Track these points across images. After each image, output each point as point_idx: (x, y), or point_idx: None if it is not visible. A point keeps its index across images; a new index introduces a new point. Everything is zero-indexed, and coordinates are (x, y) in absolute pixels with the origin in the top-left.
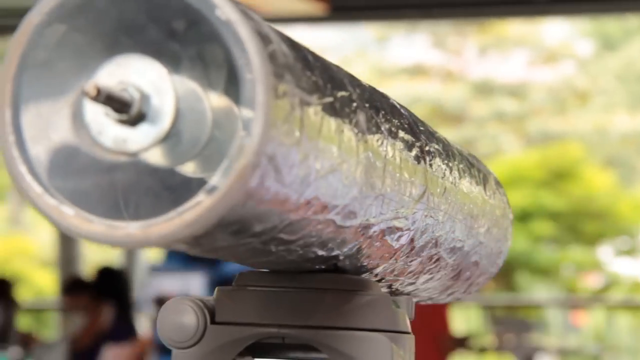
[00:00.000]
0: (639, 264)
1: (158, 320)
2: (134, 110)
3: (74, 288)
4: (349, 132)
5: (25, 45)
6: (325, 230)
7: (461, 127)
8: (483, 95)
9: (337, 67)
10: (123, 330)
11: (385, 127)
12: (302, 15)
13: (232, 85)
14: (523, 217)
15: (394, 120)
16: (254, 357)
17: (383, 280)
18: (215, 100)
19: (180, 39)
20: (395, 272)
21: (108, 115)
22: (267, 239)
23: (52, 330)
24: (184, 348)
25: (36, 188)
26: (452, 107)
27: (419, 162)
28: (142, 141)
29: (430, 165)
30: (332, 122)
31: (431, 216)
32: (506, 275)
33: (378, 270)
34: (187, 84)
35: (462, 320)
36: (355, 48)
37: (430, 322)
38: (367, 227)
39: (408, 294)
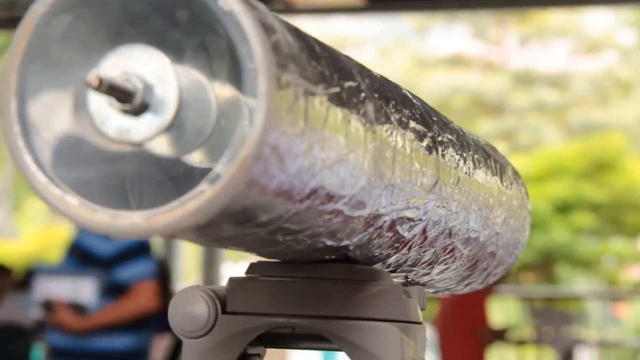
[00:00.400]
0: None
1: (169, 310)
2: (137, 100)
3: None
4: (356, 122)
5: (30, 35)
6: (333, 220)
7: (501, 118)
8: (524, 86)
9: (347, 57)
10: (163, 321)
11: (395, 117)
12: (340, 6)
13: (237, 75)
14: (564, 208)
15: (404, 110)
16: (265, 347)
17: (397, 271)
18: (221, 90)
19: (183, 29)
20: (409, 263)
21: (111, 106)
22: (273, 229)
23: None
24: (195, 338)
25: (41, 178)
26: (492, 98)
27: (430, 152)
28: (145, 131)
29: (443, 155)
30: (338, 112)
31: (444, 206)
32: (546, 267)
33: (390, 260)
34: (191, 74)
35: (501, 312)
36: (395, 38)
37: (469, 314)
38: (376, 217)
39: (423, 284)
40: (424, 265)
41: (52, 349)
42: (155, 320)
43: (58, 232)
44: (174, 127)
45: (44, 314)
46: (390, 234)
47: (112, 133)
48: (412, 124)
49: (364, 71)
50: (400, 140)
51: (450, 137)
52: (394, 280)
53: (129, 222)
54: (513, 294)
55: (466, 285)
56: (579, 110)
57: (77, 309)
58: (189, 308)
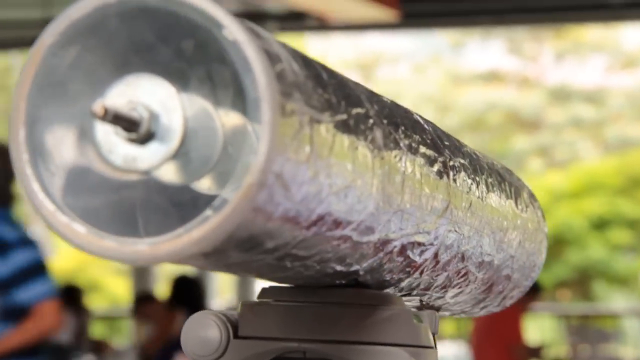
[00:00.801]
0: None
1: (183, 334)
2: (143, 129)
3: (145, 300)
4: (363, 149)
5: (38, 65)
6: (341, 246)
7: (537, 133)
8: (560, 102)
9: (356, 84)
10: None
11: (404, 142)
12: (373, 22)
13: (243, 103)
14: (600, 225)
15: (415, 135)
16: None
17: (412, 294)
18: (227, 117)
19: (189, 59)
20: (422, 287)
21: (118, 135)
22: (280, 255)
23: (126, 338)
24: None
25: (49, 206)
26: (528, 114)
27: (441, 177)
28: (151, 159)
29: (454, 179)
30: (345, 139)
31: (456, 230)
32: (583, 284)
33: (403, 284)
34: (197, 103)
35: (536, 330)
36: (430, 54)
37: (504, 331)
38: (386, 242)
39: (438, 307)
40: (437, 289)
41: None
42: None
43: None
44: (180, 155)
45: None
46: (401, 259)
47: (118, 162)
48: (423, 149)
49: (373, 97)
50: (410, 165)
51: (462, 161)
52: (408, 304)
53: (134, 249)
54: (549, 311)
55: (482, 308)
56: (616, 125)
57: None
58: (202, 332)
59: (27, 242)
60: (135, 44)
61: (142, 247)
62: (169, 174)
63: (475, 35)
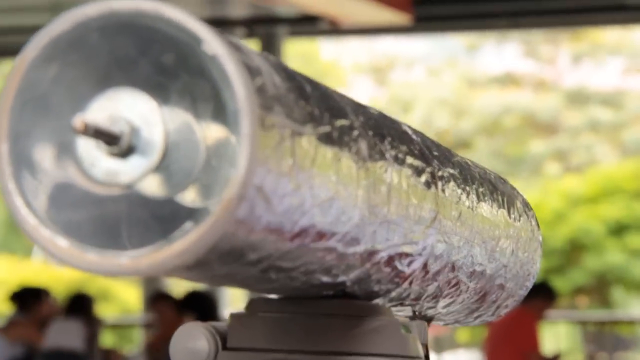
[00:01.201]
0: None
1: (171, 345)
2: (124, 143)
3: (159, 298)
4: (347, 160)
5: (21, 79)
6: (327, 257)
7: (554, 137)
8: (577, 105)
9: (342, 95)
10: None
11: (390, 153)
12: (387, 26)
13: (224, 116)
14: (618, 229)
15: (401, 146)
16: None
17: (403, 304)
18: (210, 130)
19: (169, 73)
20: (412, 297)
21: (99, 149)
22: (264, 267)
23: (136, 346)
24: None
25: (31, 220)
26: (544, 117)
27: (429, 187)
28: (133, 173)
29: (443, 190)
30: (328, 151)
31: (445, 241)
32: (600, 290)
33: (392, 295)
34: (178, 116)
35: (553, 337)
36: (445, 57)
37: (519, 338)
38: (373, 253)
39: (431, 317)
40: (428, 299)
41: None
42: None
43: None
44: (162, 169)
45: None
46: (388, 269)
47: (100, 176)
48: (410, 159)
49: (359, 109)
50: (396, 176)
51: (452, 171)
52: (400, 314)
53: (116, 262)
54: (566, 318)
55: (476, 318)
56: (633, 128)
57: None
58: (190, 344)
59: None
60: (116, 58)
61: (123, 260)
62: (151, 187)
63: (490, 38)
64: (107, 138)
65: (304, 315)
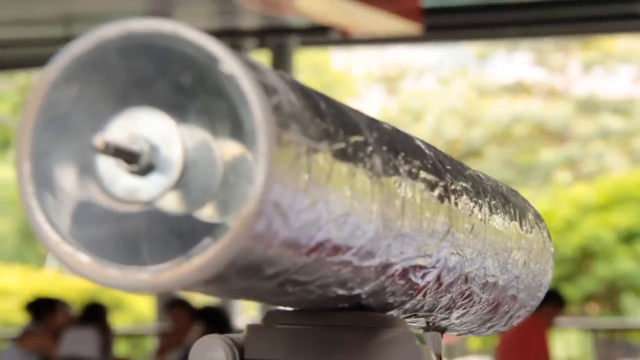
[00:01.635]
0: None
1: (190, 357)
2: (144, 161)
3: (176, 304)
4: (362, 176)
5: (42, 100)
6: (342, 270)
7: (565, 145)
8: (587, 113)
9: (356, 112)
10: None
11: (404, 168)
12: (397, 36)
13: (241, 134)
14: (628, 237)
15: (415, 161)
16: None
17: (417, 316)
18: (227, 148)
19: (187, 92)
20: (426, 308)
21: (119, 167)
22: (281, 281)
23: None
24: None
25: (53, 237)
26: (555, 126)
27: (442, 201)
28: (152, 190)
29: (456, 203)
30: (343, 167)
31: (458, 253)
32: (611, 297)
33: (406, 306)
34: (196, 134)
35: (564, 344)
36: (455, 66)
37: (530, 346)
38: (387, 266)
39: (444, 328)
40: (441, 310)
41: None
42: None
43: None
44: (181, 186)
45: None
46: (403, 282)
47: (120, 193)
48: (423, 174)
49: (373, 125)
50: (410, 190)
51: (464, 184)
52: (413, 325)
53: (137, 278)
54: (577, 325)
55: (489, 328)
56: None
57: None
58: (209, 355)
59: None
60: (135, 78)
61: (144, 275)
62: (170, 204)
63: (500, 47)
64: (127, 156)
65: (320, 327)
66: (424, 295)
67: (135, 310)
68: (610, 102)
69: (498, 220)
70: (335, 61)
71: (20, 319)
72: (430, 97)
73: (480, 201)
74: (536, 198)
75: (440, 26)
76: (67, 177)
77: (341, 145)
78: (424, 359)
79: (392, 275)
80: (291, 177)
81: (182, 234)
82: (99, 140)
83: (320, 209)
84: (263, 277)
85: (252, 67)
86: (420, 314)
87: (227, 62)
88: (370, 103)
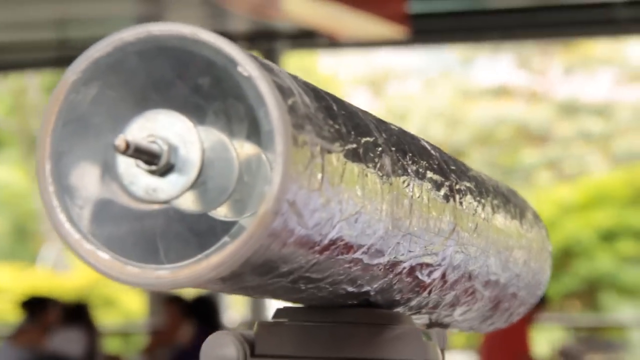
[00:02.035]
0: None
1: (201, 353)
2: (163, 161)
3: (171, 301)
4: (373, 176)
5: (62, 101)
6: (353, 268)
7: (546, 147)
8: (568, 115)
9: (365, 113)
10: None
11: (412, 168)
12: (383, 40)
13: (257, 134)
14: (609, 236)
15: (422, 161)
16: None
17: (421, 313)
18: (242, 148)
19: (205, 94)
20: (430, 305)
21: (139, 167)
22: (295, 278)
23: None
24: None
25: (74, 234)
26: (537, 128)
27: (447, 201)
28: (171, 190)
29: (461, 202)
30: (355, 167)
31: (462, 251)
32: (591, 295)
33: (412, 303)
34: (213, 135)
35: (545, 341)
36: (440, 70)
37: (512, 342)
38: (395, 264)
39: (447, 324)
40: (445, 307)
41: None
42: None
43: None
44: (199, 185)
45: None
46: (409, 279)
47: (140, 193)
48: (430, 174)
49: (381, 126)
50: (417, 190)
51: (468, 184)
52: (417, 321)
53: (156, 275)
54: (558, 322)
55: (490, 325)
56: (624, 139)
57: None
58: (220, 351)
59: None
60: (154, 80)
61: (163, 272)
62: (188, 203)
63: (484, 51)
64: (147, 157)
65: (329, 323)
66: (429, 293)
67: (126, 308)
68: (590, 105)
69: (500, 220)
70: (323, 65)
71: (13, 317)
72: (416, 100)
73: (483, 201)
74: None
75: (425, 30)
76: (87, 177)
77: (353, 145)
78: (430, 355)
79: (400, 272)
80: (306, 176)
81: (200, 232)
82: (120, 140)
83: (333, 208)
84: (277, 274)
85: (268, 69)
86: (425, 311)
87: (245, 64)
88: (357, 105)
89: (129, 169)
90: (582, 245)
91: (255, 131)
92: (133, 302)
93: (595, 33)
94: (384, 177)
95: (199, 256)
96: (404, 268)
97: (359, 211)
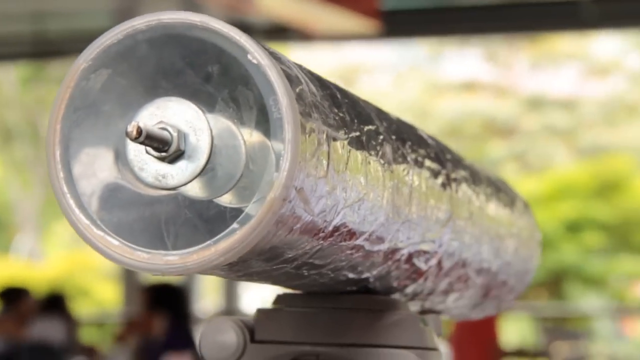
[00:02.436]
0: None
1: (200, 339)
2: (173, 148)
3: (143, 292)
4: (375, 164)
5: (72, 88)
6: (354, 255)
7: (513, 140)
8: (534, 109)
9: (365, 102)
10: (180, 340)
11: (411, 157)
12: (354, 34)
13: (265, 123)
14: (574, 228)
15: (420, 150)
16: None
17: (415, 299)
18: (249, 136)
19: (215, 82)
20: (425, 292)
21: (149, 153)
22: (299, 264)
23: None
24: None
25: (84, 220)
26: (503, 122)
27: (444, 189)
28: (180, 177)
29: (457, 191)
30: (358, 155)
31: (458, 239)
32: (557, 285)
33: (408, 290)
34: (222, 123)
35: (512, 330)
36: (409, 65)
37: (481, 331)
38: (395, 251)
39: (439, 311)
40: (439, 294)
41: None
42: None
43: (84, 256)
44: (207, 172)
45: None
46: (407, 266)
47: (149, 179)
48: (428, 162)
49: (381, 115)
50: (417, 178)
51: (463, 173)
52: (412, 308)
53: (165, 260)
54: (524, 312)
55: (480, 312)
56: (588, 132)
57: None
58: (219, 337)
59: None
60: (164, 68)
61: (172, 258)
62: (196, 189)
63: (453, 45)
64: (158, 144)
65: (328, 309)
66: (425, 280)
67: (101, 297)
68: (556, 99)
69: (492, 208)
70: (295, 59)
71: None
72: (386, 94)
73: (477, 189)
74: None
75: (396, 25)
76: (96, 164)
77: (356, 133)
78: (428, 340)
79: (399, 259)
80: (313, 164)
81: (208, 218)
82: (132, 127)
83: (338, 195)
84: (282, 260)
85: (277, 57)
86: (419, 298)
87: (255, 52)
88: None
89: (139, 155)
90: (548, 236)
91: (264, 118)
92: (107, 292)
93: (560, 28)
94: (386, 164)
95: (208, 242)
96: (403, 255)
97: (362, 198)
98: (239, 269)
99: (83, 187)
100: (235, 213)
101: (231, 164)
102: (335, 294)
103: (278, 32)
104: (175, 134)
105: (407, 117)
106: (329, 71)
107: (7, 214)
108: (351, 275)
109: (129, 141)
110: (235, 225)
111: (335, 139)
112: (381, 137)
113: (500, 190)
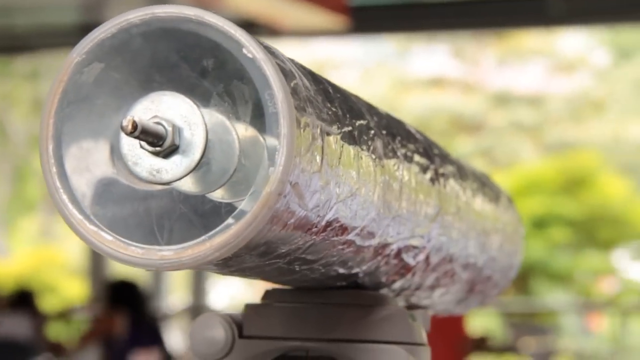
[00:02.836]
0: None
1: (189, 334)
2: (167, 142)
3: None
4: (366, 158)
5: (66, 82)
6: (345, 250)
7: (480, 136)
8: (501, 105)
9: (356, 97)
10: (145, 336)
11: (401, 152)
12: (322, 30)
13: (258, 118)
14: (540, 223)
15: (409, 145)
16: None
17: (401, 295)
18: (243, 131)
19: (209, 76)
20: (413, 287)
21: (143, 148)
22: (291, 260)
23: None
24: None
25: (77, 215)
26: (470, 118)
27: (433, 184)
28: (175, 171)
29: (444, 186)
30: (351, 150)
31: (445, 234)
32: (523, 281)
33: (396, 285)
34: (216, 117)
35: (479, 326)
36: (377, 60)
37: (448, 326)
38: (384, 246)
39: (425, 306)
40: (426, 289)
41: None
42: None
43: (50, 252)
44: (201, 167)
45: None
46: (396, 261)
47: (143, 174)
48: (417, 157)
49: (372, 110)
50: (407, 173)
51: (450, 168)
52: (399, 303)
53: (160, 255)
54: (491, 307)
55: (464, 307)
56: (555, 128)
57: None
58: (208, 332)
59: None
60: (158, 62)
61: (167, 253)
62: (190, 184)
63: (420, 41)
64: (153, 138)
65: (318, 304)
66: (413, 275)
67: (67, 294)
68: (522, 95)
69: (479, 203)
70: None
71: None
72: (353, 90)
73: (464, 184)
74: None
75: (364, 21)
76: (90, 158)
77: (349, 128)
78: (416, 335)
79: (388, 255)
80: (307, 158)
81: (203, 213)
82: (127, 121)
83: (331, 190)
84: (275, 255)
85: (271, 52)
86: (406, 293)
87: (250, 46)
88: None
89: (133, 150)
90: None
91: (259, 112)
92: (73, 288)
93: (527, 25)
94: (377, 159)
95: (203, 237)
96: (392, 250)
97: (354, 193)
98: (233, 264)
99: (76, 182)
100: (230, 208)
101: (225, 159)
102: (324, 290)
103: (246, 27)
104: (169, 129)
105: None
106: None
107: None
108: (341, 271)
109: (123, 135)
110: (230, 220)
111: (328, 134)
112: (372, 132)
113: (485, 185)
